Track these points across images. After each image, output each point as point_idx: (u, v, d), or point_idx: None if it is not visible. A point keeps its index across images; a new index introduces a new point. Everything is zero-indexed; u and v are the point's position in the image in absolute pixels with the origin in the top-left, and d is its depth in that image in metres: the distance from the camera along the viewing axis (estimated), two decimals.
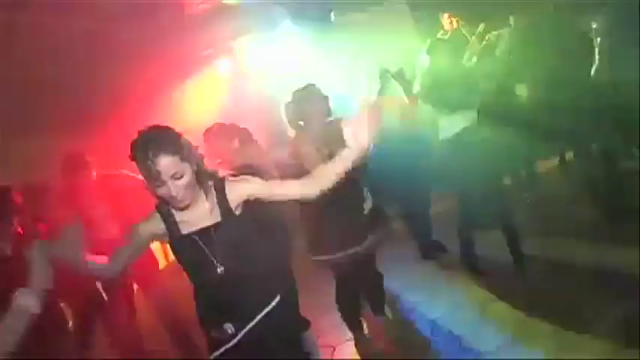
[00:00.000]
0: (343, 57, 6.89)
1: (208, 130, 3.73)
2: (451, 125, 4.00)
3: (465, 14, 6.71)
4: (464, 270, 4.23)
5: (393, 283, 4.25)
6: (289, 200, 2.16)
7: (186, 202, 2.04)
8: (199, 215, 2.09)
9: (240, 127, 3.88)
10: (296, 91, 3.45)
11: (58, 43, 5.23)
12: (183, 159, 1.97)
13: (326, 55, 6.93)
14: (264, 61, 7.40)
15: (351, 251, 3.34)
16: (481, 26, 6.94)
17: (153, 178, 1.94)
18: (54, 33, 5.12)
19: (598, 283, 3.42)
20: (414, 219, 4.96)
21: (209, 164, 2.21)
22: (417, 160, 4.56)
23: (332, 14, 7.42)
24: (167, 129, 2.02)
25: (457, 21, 6.95)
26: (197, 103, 7.00)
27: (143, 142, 1.95)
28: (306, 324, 3.35)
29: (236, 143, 3.72)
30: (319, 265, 3.45)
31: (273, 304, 2.19)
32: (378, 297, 3.80)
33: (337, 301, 3.64)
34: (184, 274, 2.24)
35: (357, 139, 1.88)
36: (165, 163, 1.92)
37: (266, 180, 2.17)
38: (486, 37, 6.59)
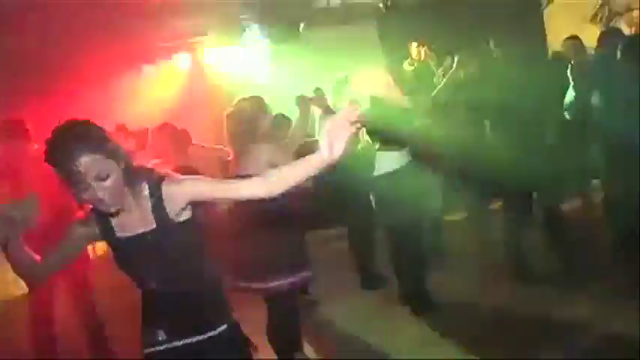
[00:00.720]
0: (306, 69, 6.77)
1: (156, 130, 3.62)
2: (388, 161, 3.91)
3: (434, 45, 6.75)
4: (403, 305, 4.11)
5: (330, 310, 4.13)
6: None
7: (117, 206, 1.80)
8: (135, 220, 1.87)
9: (188, 130, 3.70)
10: (241, 99, 3.22)
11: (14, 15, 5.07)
12: (108, 156, 1.73)
13: (289, 65, 6.81)
14: (225, 63, 7.20)
15: (289, 280, 3.11)
16: (448, 59, 7.02)
17: (76, 181, 1.70)
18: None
19: (541, 328, 3.45)
20: (355, 248, 4.83)
21: (146, 163, 1.97)
22: (359, 188, 4.39)
23: (301, 26, 7.30)
24: (87, 123, 1.78)
25: (425, 51, 6.99)
26: (151, 93, 6.73)
27: (61, 141, 1.70)
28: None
29: (182, 146, 3.56)
30: (247, 292, 3.16)
31: (218, 332, 2.00)
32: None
33: (267, 333, 3.29)
34: (108, 268, 2.08)
35: (332, 150, 1.61)
36: (88, 162, 1.68)
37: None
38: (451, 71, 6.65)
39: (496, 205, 5.15)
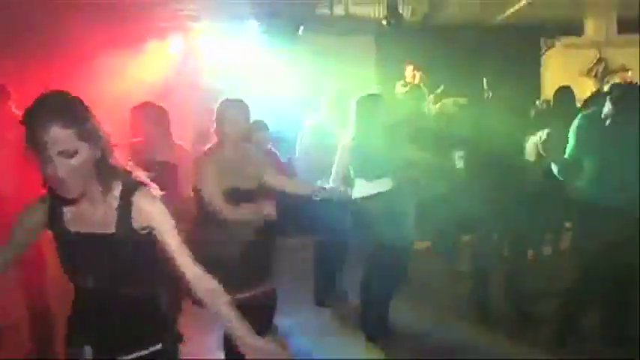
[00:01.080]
0: (301, 73, 6.72)
1: (137, 108, 3.50)
2: (366, 186, 3.83)
3: (428, 70, 6.78)
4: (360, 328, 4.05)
5: (285, 323, 4.06)
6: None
7: (76, 191, 1.66)
8: (94, 216, 1.75)
9: (170, 115, 3.61)
10: (226, 99, 3.08)
11: None
12: (80, 136, 1.62)
13: (284, 66, 6.74)
14: (218, 53, 7.10)
15: (258, 290, 2.99)
16: (441, 88, 7.05)
17: (40, 150, 1.59)
18: None
19: None
20: (316, 264, 4.75)
21: (125, 161, 1.82)
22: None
23: (301, 29, 7.24)
24: (72, 98, 1.67)
25: (420, 76, 7.00)
26: (139, 74, 6.57)
27: (39, 106, 1.61)
28: None
29: (162, 125, 3.49)
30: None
31: (150, 351, 1.85)
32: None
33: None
34: None
35: (255, 338, 1.70)
36: (56, 134, 1.58)
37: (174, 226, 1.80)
38: (442, 101, 6.67)
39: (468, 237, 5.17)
